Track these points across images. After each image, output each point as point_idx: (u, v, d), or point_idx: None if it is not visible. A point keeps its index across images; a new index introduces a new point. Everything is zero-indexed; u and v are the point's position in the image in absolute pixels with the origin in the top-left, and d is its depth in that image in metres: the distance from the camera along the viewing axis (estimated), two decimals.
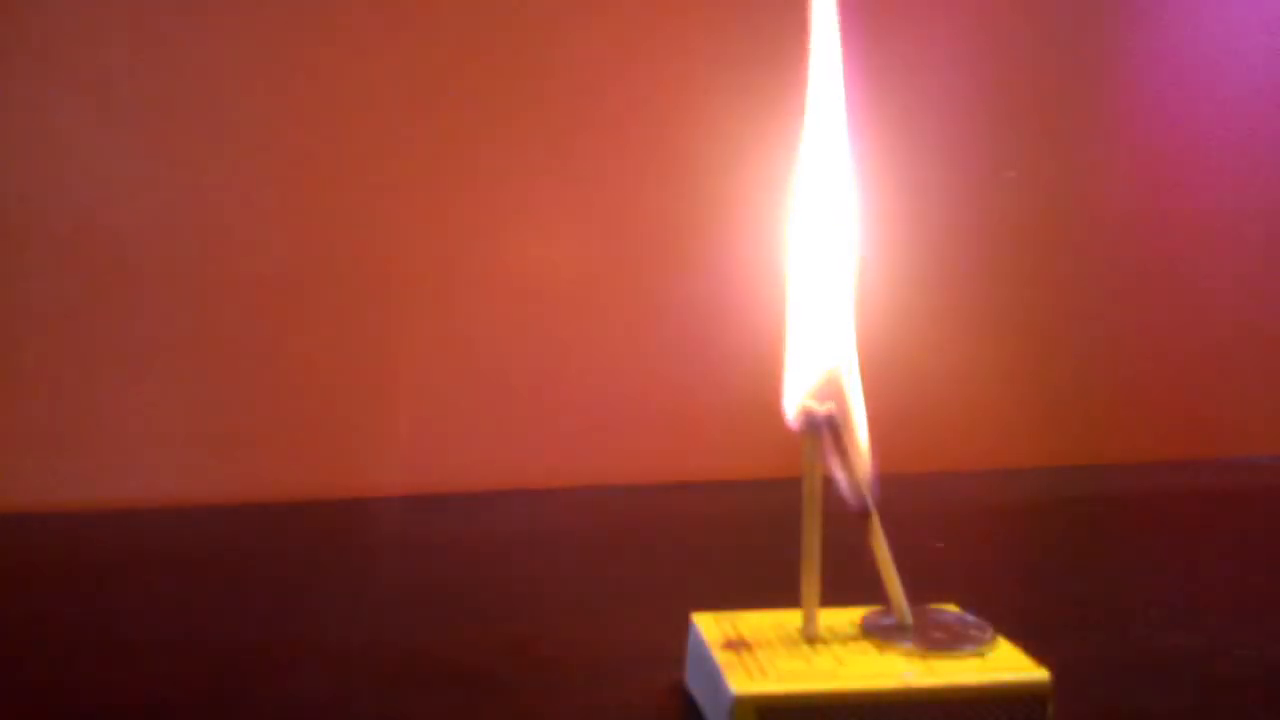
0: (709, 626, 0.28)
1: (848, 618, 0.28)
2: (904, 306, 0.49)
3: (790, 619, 0.28)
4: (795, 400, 0.28)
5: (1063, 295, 0.56)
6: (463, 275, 0.50)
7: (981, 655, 0.26)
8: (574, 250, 0.51)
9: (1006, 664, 0.26)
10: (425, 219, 0.50)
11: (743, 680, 0.25)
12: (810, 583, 0.28)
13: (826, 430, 0.27)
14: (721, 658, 0.26)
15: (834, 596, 0.28)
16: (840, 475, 0.27)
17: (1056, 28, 0.55)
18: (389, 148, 0.49)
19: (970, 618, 0.28)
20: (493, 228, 0.50)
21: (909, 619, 0.28)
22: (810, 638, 0.27)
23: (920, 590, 0.28)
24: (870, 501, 0.27)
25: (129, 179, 0.47)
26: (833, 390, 0.27)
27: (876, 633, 0.27)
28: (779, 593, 0.29)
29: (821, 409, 0.27)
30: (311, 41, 0.48)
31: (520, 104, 0.50)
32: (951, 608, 0.29)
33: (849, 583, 0.28)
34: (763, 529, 0.43)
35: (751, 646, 0.27)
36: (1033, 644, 0.27)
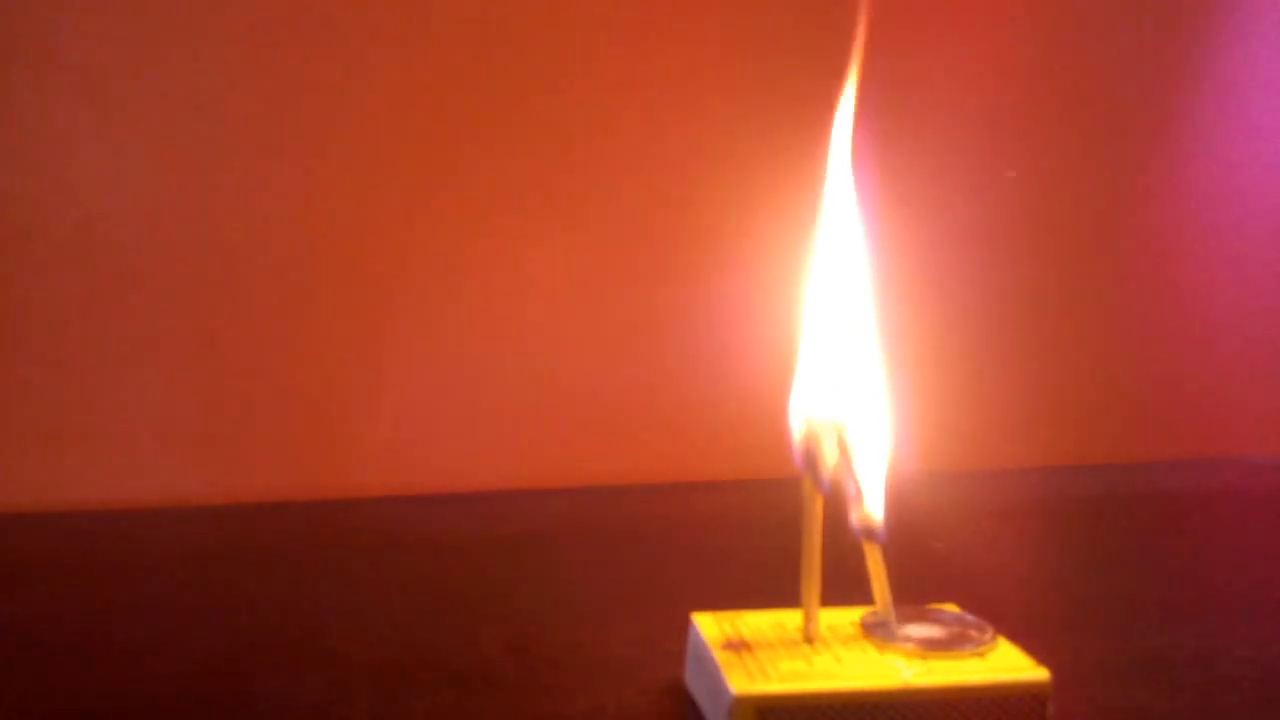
0: (709, 626, 0.28)
1: (848, 618, 0.28)
2: (904, 308, 0.49)
3: (790, 619, 0.28)
4: (799, 412, 0.27)
5: (1062, 296, 0.56)
6: (466, 278, 0.50)
7: (981, 655, 0.26)
8: (574, 252, 0.51)
9: (1006, 664, 0.26)
10: (427, 221, 0.50)
11: (743, 680, 0.25)
12: (810, 583, 0.28)
13: (829, 440, 0.27)
14: (721, 658, 0.26)
15: (834, 596, 0.28)
16: (846, 488, 0.27)
17: (1070, 35, 0.55)
18: (389, 150, 0.49)
19: (970, 618, 0.28)
20: (495, 231, 0.50)
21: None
22: (810, 638, 0.27)
23: (920, 590, 0.28)
24: (878, 529, 0.27)
25: (129, 179, 0.47)
26: (841, 408, 0.27)
27: (876, 633, 0.27)
28: (779, 593, 0.29)
29: (825, 421, 0.27)
30: (311, 43, 0.48)
31: (523, 109, 0.50)
32: (951, 608, 0.29)
33: (849, 583, 0.28)
34: (763, 529, 0.43)
35: (751, 646, 0.27)
36: (1033, 644, 0.27)
